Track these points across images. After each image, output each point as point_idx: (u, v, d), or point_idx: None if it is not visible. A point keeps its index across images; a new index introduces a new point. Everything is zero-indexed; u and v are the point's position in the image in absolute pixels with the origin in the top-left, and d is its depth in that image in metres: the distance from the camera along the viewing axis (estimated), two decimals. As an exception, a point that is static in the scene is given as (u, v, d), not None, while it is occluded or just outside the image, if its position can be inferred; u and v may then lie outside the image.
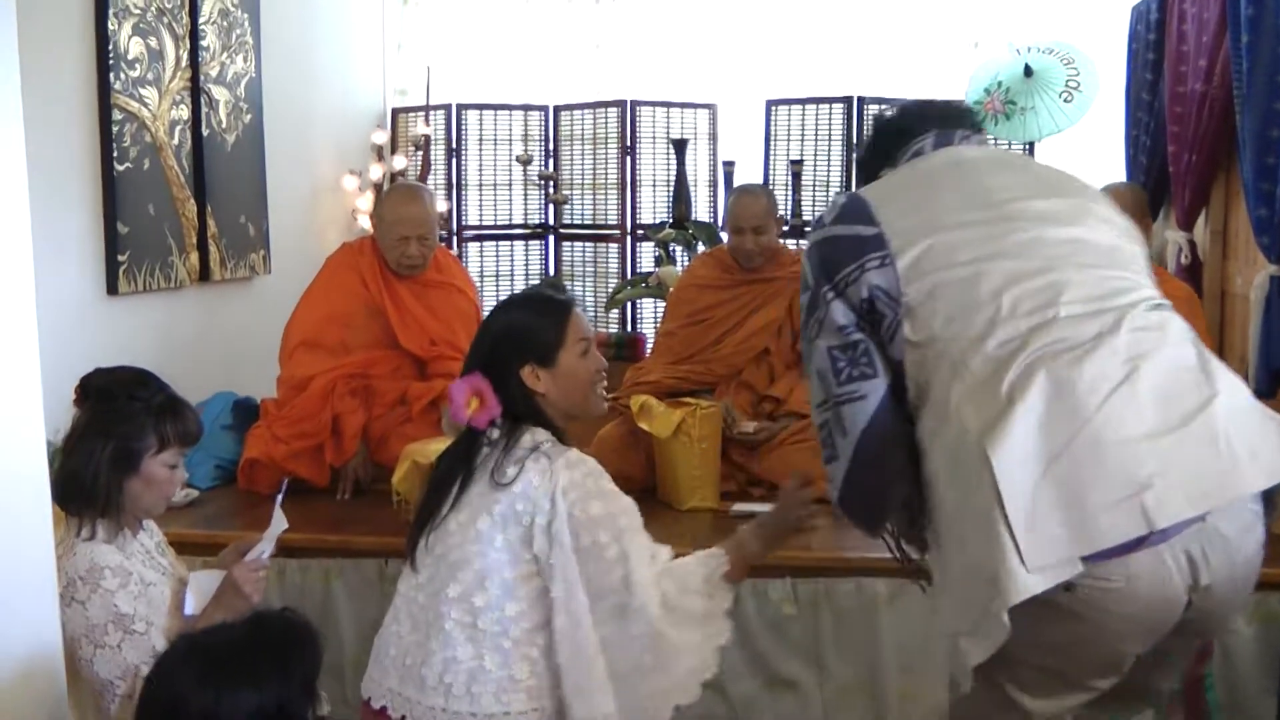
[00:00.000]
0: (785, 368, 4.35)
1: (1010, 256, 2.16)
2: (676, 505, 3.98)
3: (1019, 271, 2.14)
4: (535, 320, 2.52)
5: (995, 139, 6.37)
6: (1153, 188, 5.26)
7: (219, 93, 4.96)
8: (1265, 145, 3.86)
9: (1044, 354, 2.02)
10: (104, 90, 4.26)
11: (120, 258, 4.32)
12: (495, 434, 2.44)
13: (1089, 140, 6.08)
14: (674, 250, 6.47)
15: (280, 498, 2.75)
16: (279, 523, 2.72)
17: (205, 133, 4.84)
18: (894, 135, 2.50)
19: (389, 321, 4.27)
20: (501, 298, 6.61)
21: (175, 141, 4.66)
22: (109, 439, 2.55)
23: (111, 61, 4.27)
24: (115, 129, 4.29)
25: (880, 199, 2.31)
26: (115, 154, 4.29)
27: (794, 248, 4.59)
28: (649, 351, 4.62)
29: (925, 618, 3.42)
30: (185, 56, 4.73)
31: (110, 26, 4.25)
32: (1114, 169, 5.68)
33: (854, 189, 2.44)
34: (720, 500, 4.01)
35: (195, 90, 4.80)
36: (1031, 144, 6.41)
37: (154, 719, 1.90)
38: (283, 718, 1.90)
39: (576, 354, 2.53)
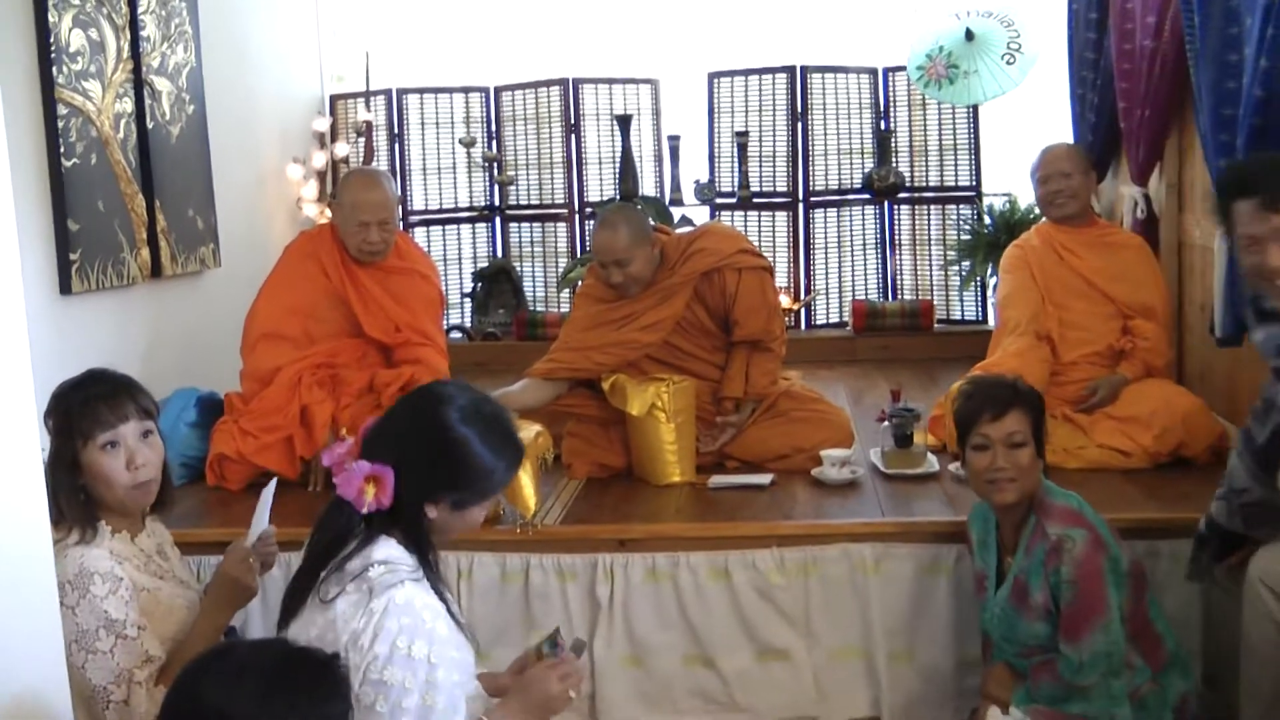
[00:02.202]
0: (724, 357, 4.22)
1: None
2: (654, 482, 3.96)
3: None
4: (490, 468, 2.25)
5: (939, 103, 6.44)
6: (1102, 145, 5.32)
7: (161, 84, 4.85)
8: (1222, 97, 3.88)
9: None
10: (47, 84, 4.15)
11: (72, 256, 4.22)
12: (352, 544, 2.20)
13: (1034, 101, 6.14)
14: (624, 227, 6.43)
15: (270, 492, 2.73)
16: (262, 506, 2.70)
17: (150, 125, 4.74)
18: None
19: (352, 310, 4.22)
20: (450, 282, 6.65)
21: (120, 135, 4.55)
22: (52, 448, 2.54)
23: (53, 54, 4.15)
24: (61, 124, 4.18)
25: None
26: (62, 149, 4.18)
27: (683, 234, 4.34)
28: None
29: (912, 580, 3.45)
30: (126, 47, 4.63)
31: (50, 18, 4.14)
32: (1061, 128, 5.73)
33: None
34: (697, 474, 4.00)
35: (138, 82, 4.69)
36: (976, 106, 6.47)
37: None
38: None
39: (481, 512, 2.33)
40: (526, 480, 3.53)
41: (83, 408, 2.54)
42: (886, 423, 4.13)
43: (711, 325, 4.19)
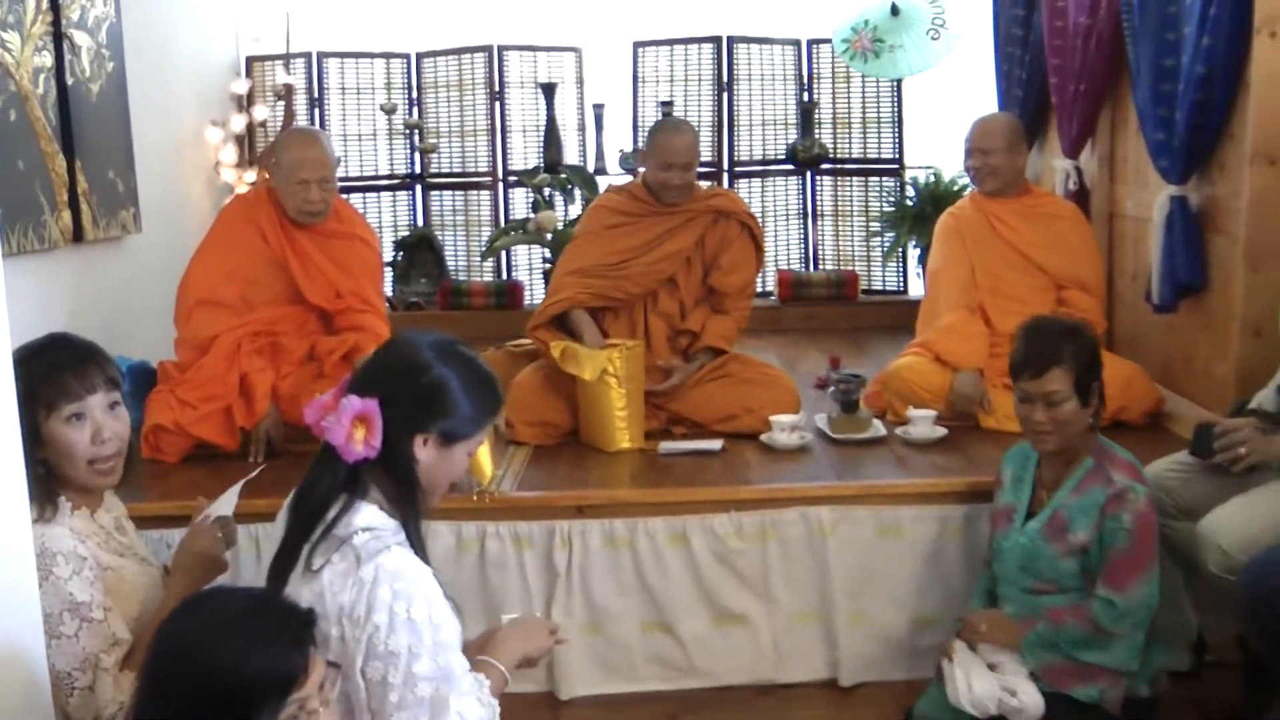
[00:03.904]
0: (695, 302, 4.32)
1: None
2: (604, 448, 3.94)
3: None
4: (473, 399, 2.22)
5: (863, 76, 6.48)
6: (1030, 119, 5.39)
7: (81, 38, 4.66)
8: (1161, 73, 3.97)
9: None
10: (-37, 35, 3.97)
11: (-9, 218, 4.04)
12: (333, 511, 2.13)
13: (958, 75, 6.21)
14: (550, 195, 6.40)
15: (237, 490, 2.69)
16: (229, 496, 2.67)
17: (70, 81, 4.55)
18: None
19: (292, 275, 4.10)
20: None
21: (40, 90, 4.36)
22: None
23: (-30, 3, 3.97)
24: (-22, 77, 4.00)
25: None
26: (-21, 105, 4.00)
27: (705, 186, 4.51)
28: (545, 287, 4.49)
29: (869, 542, 3.48)
30: (45, -1, 4.44)
31: (-34, -36, 3.95)
32: (984, 103, 5.80)
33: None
34: (646, 440, 3.98)
35: (57, 35, 4.49)
36: (900, 80, 6.53)
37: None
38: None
39: (467, 451, 2.26)
40: (483, 446, 3.48)
41: (47, 377, 2.41)
42: (831, 389, 4.16)
43: (700, 270, 4.31)
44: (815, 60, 6.76)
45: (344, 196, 6.44)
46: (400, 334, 2.34)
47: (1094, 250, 4.39)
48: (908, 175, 6.65)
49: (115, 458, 2.50)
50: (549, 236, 6.12)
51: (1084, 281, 4.28)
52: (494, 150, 6.69)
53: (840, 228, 6.82)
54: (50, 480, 2.44)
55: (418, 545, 2.19)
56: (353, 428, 2.11)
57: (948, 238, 4.48)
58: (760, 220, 6.58)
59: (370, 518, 2.14)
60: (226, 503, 2.68)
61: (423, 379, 2.19)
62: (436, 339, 2.27)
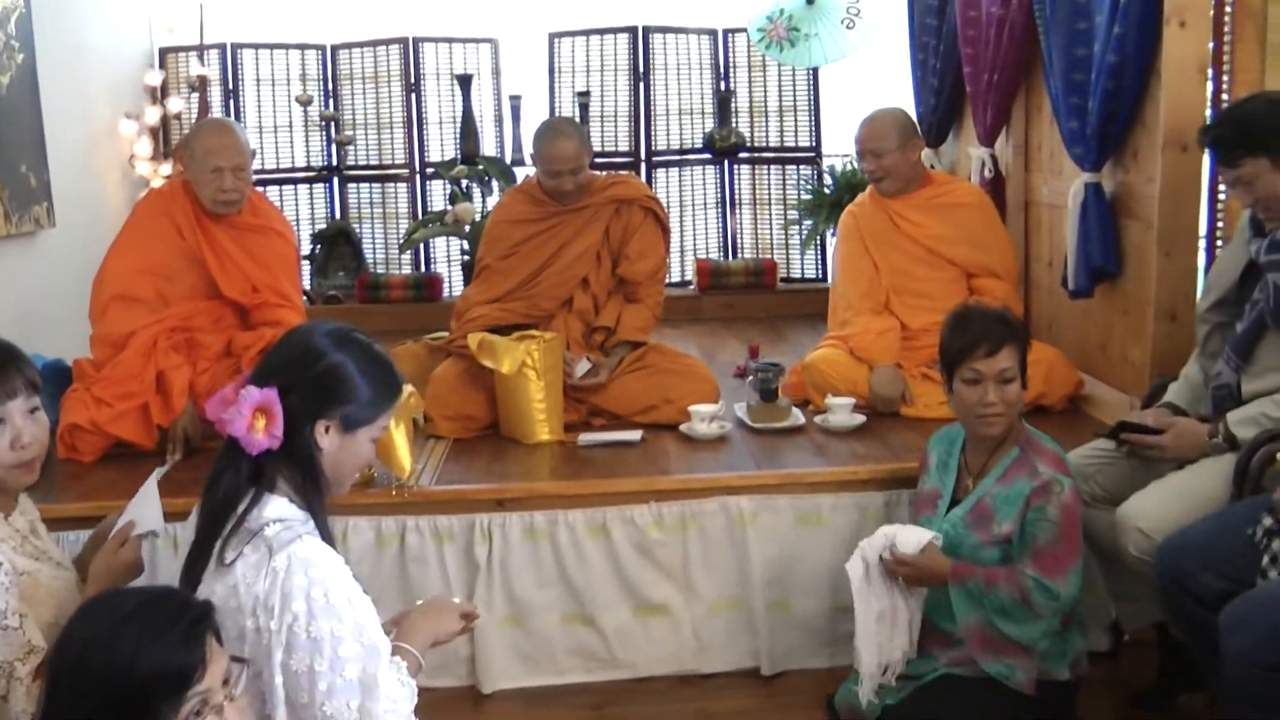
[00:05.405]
0: (607, 295, 4.35)
1: None
2: (523, 440, 3.95)
3: None
4: (371, 384, 2.23)
5: (779, 64, 6.53)
6: (945, 108, 5.47)
7: (-13, 31, 4.59)
8: (1073, 63, 4.05)
9: None
10: None
11: (-103, 214, 3.97)
12: (243, 505, 2.13)
13: (874, 63, 6.27)
14: (467, 187, 6.39)
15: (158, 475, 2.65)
16: (151, 500, 2.61)
17: (-24, 75, 4.49)
18: None
19: (208, 270, 4.06)
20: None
21: (-54, 85, 4.30)
22: None
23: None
24: (-118, 72, 3.92)
25: None
26: (-117, 100, 3.92)
27: (602, 175, 4.51)
28: (461, 290, 4.47)
29: (789, 531, 3.52)
30: (-51, -10, 4.36)
31: None
32: (900, 91, 5.87)
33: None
34: (565, 432, 4.00)
35: (-38, 29, 4.43)
36: (816, 69, 6.59)
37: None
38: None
39: (370, 436, 2.27)
40: (401, 440, 3.48)
41: None
42: (749, 378, 4.20)
43: (609, 262, 4.32)
44: (731, 49, 6.80)
45: (260, 189, 6.41)
46: (296, 326, 2.35)
47: (1001, 235, 4.42)
48: (825, 163, 6.72)
49: (34, 461, 2.47)
50: (467, 228, 6.12)
51: (994, 269, 4.31)
52: (411, 142, 6.67)
53: (758, 216, 6.88)
54: None
55: (326, 535, 2.20)
56: (253, 418, 2.11)
57: (849, 237, 4.47)
58: (678, 209, 6.72)
59: (280, 509, 2.14)
60: (154, 516, 2.62)
61: (320, 365, 2.19)
62: (332, 327, 2.27)
